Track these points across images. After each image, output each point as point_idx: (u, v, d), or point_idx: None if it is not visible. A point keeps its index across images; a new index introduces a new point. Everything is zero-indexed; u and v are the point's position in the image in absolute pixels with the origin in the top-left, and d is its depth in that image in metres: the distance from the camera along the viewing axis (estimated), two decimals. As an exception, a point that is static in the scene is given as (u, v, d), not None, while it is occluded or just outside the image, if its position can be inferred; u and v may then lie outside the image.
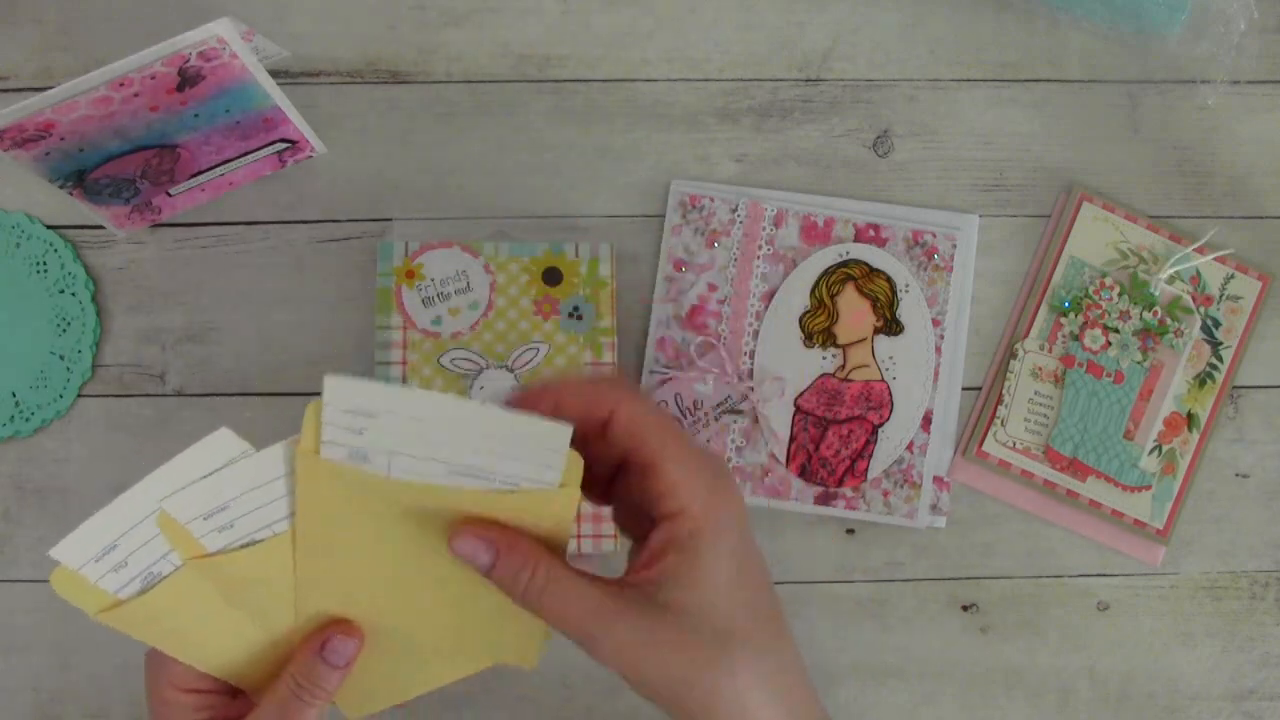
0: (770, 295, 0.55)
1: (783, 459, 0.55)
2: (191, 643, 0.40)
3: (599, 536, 0.53)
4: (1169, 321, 0.55)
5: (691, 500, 0.35)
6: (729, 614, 0.35)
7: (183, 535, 0.37)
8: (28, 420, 0.53)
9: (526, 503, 0.36)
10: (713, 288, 0.55)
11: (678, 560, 0.35)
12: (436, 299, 0.53)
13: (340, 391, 0.35)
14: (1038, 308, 0.55)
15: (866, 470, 0.55)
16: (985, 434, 0.55)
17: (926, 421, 0.55)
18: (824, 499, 0.55)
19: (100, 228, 0.54)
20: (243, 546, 0.38)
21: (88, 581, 0.36)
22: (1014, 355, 0.55)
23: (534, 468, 0.36)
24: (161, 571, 0.37)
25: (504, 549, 0.36)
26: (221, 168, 0.52)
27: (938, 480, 0.55)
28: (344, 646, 0.41)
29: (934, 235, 0.55)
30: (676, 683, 0.35)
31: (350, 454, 0.36)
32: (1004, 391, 0.55)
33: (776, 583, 0.56)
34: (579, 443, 0.35)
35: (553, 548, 0.37)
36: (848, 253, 0.55)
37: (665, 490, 0.36)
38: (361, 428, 0.35)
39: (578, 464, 0.36)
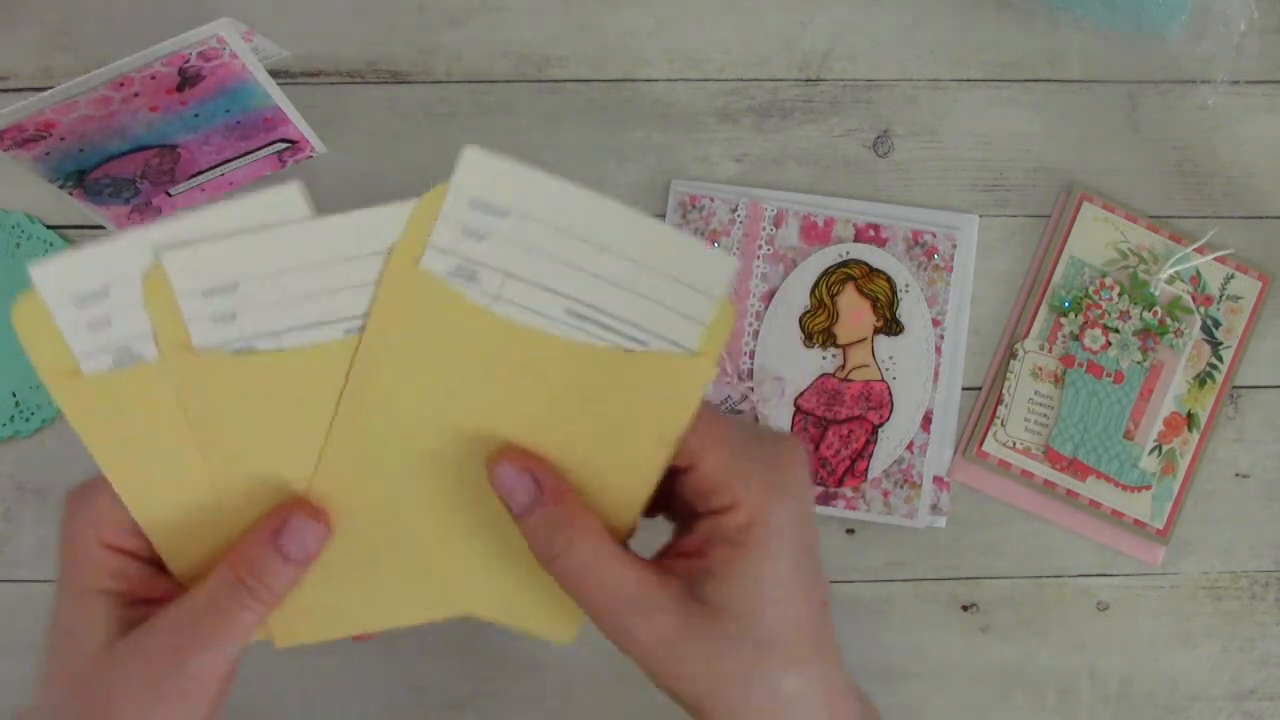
0: (770, 295, 0.55)
1: (783, 459, 0.55)
2: (137, 473, 0.31)
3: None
4: (1169, 321, 0.55)
5: (743, 493, 0.31)
6: (775, 623, 0.31)
7: (167, 309, 0.29)
8: (28, 420, 0.53)
9: (646, 371, 0.30)
10: (713, 288, 0.55)
11: (726, 555, 0.31)
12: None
13: (480, 169, 0.28)
14: (1038, 308, 0.55)
15: (866, 470, 0.55)
16: (985, 434, 0.55)
17: (926, 421, 0.55)
18: (824, 499, 0.55)
19: (100, 228, 0.54)
20: (236, 352, 0.30)
21: (54, 327, 0.29)
22: (1014, 355, 0.55)
23: (674, 317, 0.29)
24: (141, 354, 0.30)
25: (550, 495, 0.31)
26: (221, 168, 0.52)
27: (938, 480, 0.55)
28: (305, 534, 0.32)
29: (934, 235, 0.55)
30: (706, 691, 0.31)
31: (459, 267, 0.29)
32: (1004, 391, 0.55)
33: (776, 583, 0.56)
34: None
35: (670, 429, 0.30)
36: (848, 253, 0.55)
37: (713, 486, 0.32)
38: (485, 230, 0.29)
39: (723, 327, 0.30)
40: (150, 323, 0.29)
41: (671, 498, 0.34)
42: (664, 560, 0.33)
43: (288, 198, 0.28)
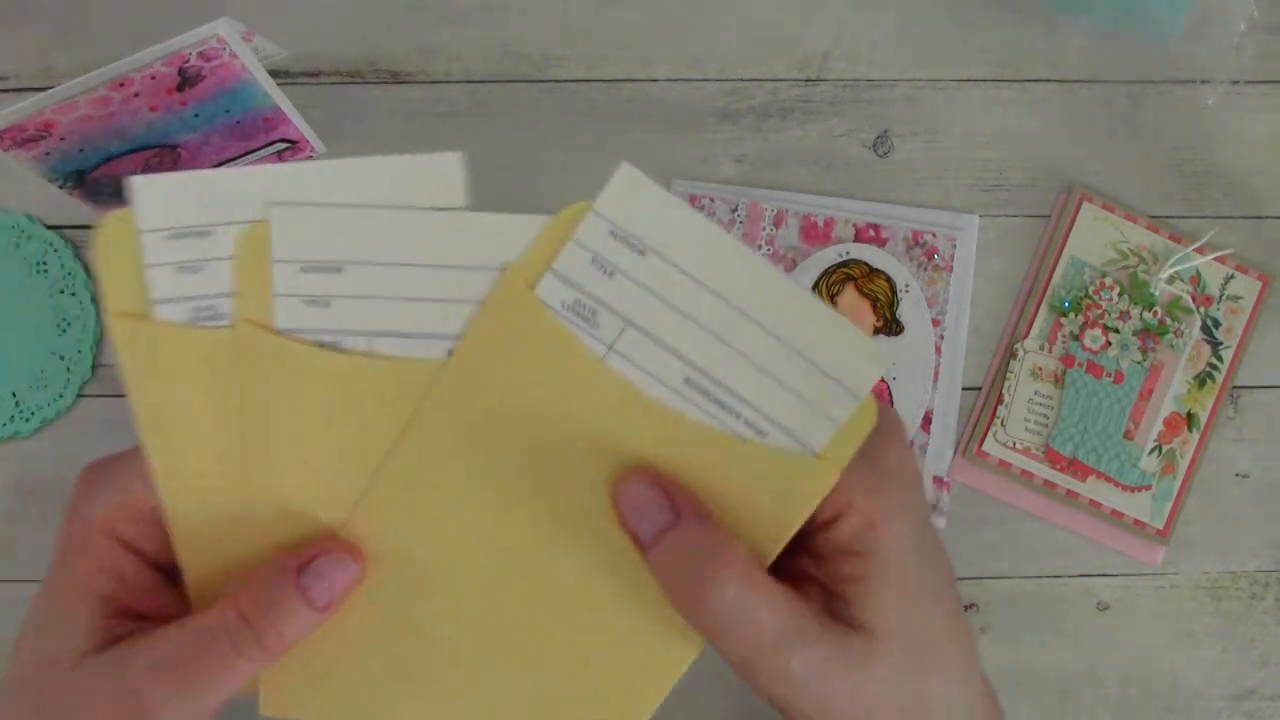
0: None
1: (783, 459, 0.55)
2: (176, 450, 0.27)
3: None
4: (1169, 321, 0.55)
5: (851, 494, 0.28)
6: (920, 632, 0.28)
7: (257, 274, 0.26)
8: (28, 420, 0.53)
9: (757, 468, 0.26)
10: (713, 288, 0.55)
11: (852, 568, 0.28)
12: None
13: (629, 194, 0.25)
14: (1038, 308, 0.55)
15: (866, 470, 0.55)
16: (985, 434, 0.55)
17: (926, 421, 0.55)
18: (824, 499, 0.55)
19: (100, 228, 0.54)
20: (321, 345, 0.26)
21: (138, 258, 0.26)
22: (1014, 355, 0.55)
23: (805, 410, 0.26)
24: (225, 314, 0.26)
25: (690, 515, 0.26)
26: (222, 168, 0.52)
27: (938, 480, 0.55)
28: (334, 575, 0.27)
29: (934, 235, 0.55)
30: (858, 712, 0.28)
31: (575, 304, 0.26)
32: (1004, 391, 0.55)
33: (776, 583, 0.56)
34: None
35: (770, 542, 0.27)
36: (848, 253, 0.55)
37: None
38: (616, 266, 0.25)
39: (858, 432, 0.26)
40: (209, 287, 0.26)
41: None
42: (793, 587, 0.29)
43: (446, 167, 0.25)
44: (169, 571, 0.29)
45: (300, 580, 0.26)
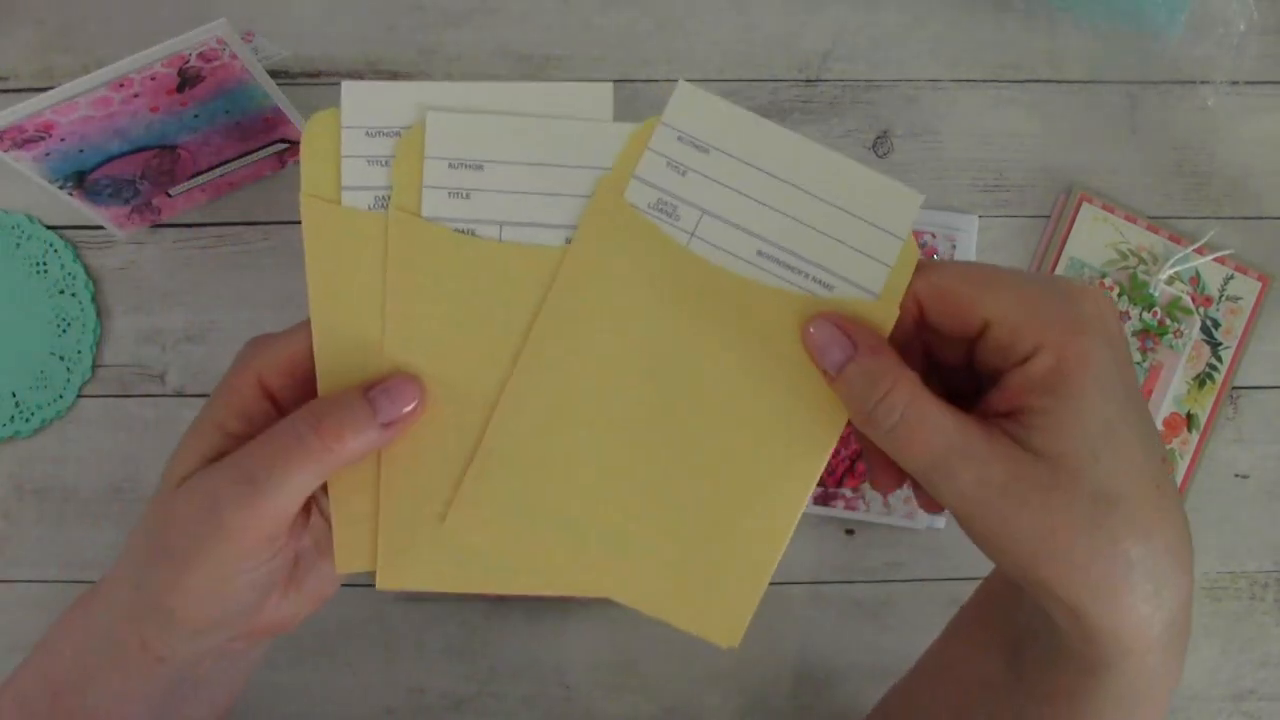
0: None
1: (782, 459, 0.55)
2: (336, 317, 0.31)
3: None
4: (1168, 322, 0.55)
5: (1045, 331, 0.28)
6: (1113, 474, 0.28)
7: (411, 168, 0.31)
8: (28, 420, 0.53)
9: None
10: (712, 288, 0.55)
11: (1044, 403, 0.28)
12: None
13: (690, 104, 0.30)
14: (1037, 308, 0.55)
15: (866, 471, 0.55)
16: (985, 434, 0.55)
17: (926, 422, 0.55)
18: (823, 499, 0.55)
19: (100, 228, 0.54)
20: (458, 231, 0.31)
21: (335, 146, 0.31)
22: (1014, 355, 0.55)
23: (860, 259, 0.30)
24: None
25: (865, 348, 0.30)
26: (221, 168, 0.52)
27: (937, 480, 0.55)
28: (399, 392, 0.30)
29: (934, 235, 0.55)
30: (1036, 544, 0.28)
31: (659, 202, 0.30)
32: (1004, 392, 0.55)
33: (774, 584, 0.56)
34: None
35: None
36: (847, 253, 0.55)
37: (1011, 335, 0.29)
38: (687, 166, 0.30)
39: (906, 269, 0.30)
40: (389, 179, 0.30)
41: (974, 371, 0.32)
42: (979, 414, 0.30)
43: (594, 95, 0.30)
44: None
45: (368, 393, 0.30)
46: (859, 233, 0.30)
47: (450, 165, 0.30)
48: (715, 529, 0.32)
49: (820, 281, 0.30)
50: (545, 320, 0.31)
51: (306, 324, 0.33)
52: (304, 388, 0.32)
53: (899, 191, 0.30)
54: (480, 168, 0.31)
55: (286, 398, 0.33)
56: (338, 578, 0.36)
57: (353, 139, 0.31)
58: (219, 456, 0.32)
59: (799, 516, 0.32)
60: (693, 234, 0.30)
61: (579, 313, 0.31)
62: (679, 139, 0.30)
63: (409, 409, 0.31)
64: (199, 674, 0.36)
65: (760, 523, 0.32)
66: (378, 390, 0.30)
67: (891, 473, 0.32)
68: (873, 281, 0.30)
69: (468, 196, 0.31)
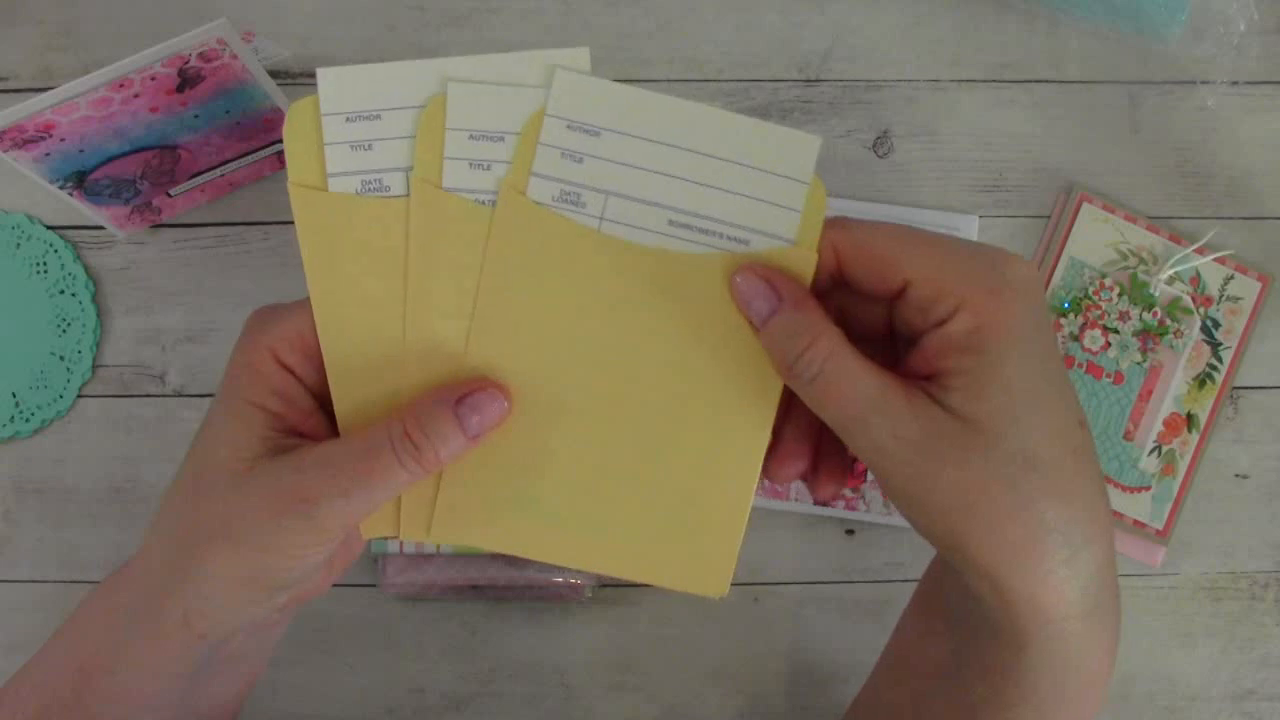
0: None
1: (782, 459, 0.55)
2: (337, 301, 0.32)
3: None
4: (1169, 322, 0.55)
5: (966, 292, 0.28)
6: (1031, 435, 0.28)
7: (433, 142, 0.31)
8: (28, 420, 0.53)
9: None
10: (712, 288, 0.55)
11: (964, 363, 0.29)
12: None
13: (573, 91, 0.29)
14: (1037, 308, 0.55)
15: (866, 471, 0.55)
16: (985, 434, 0.55)
17: (926, 422, 0.55)
18: (824, 500, 0.55)
19: (100, 228, 0.54)
20: (481, 204, 0.31)
21: (318, 134, 0.31)
22: (1014, 356, 0.55)
23: (769, 209, 0.30)
24: (389, 187, 0.31)
25: (789, 300, 0.30)
26: (221, 168, 0.52)
27: (937, 481, 0.55)
28: (488, 408, 0.31)
29: (934, 236, 0.55)
30: (952, 501, 0.28)
31: (562, 194, 0.30)
32: (1004, 392, 0.55)
33: (774, 584, 0.56)
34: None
35: None
36: (847, 253, 0.55)
37: (932, 294, 0.29)
38: (582, 153, 0.30)
39: (817, 211, 0.30)
40: (411, 155, 0.30)
41: (894, 334, 0.32)
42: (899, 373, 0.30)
43: (577, 58, 0.30)
44: (325, 403, 0.33)
45: (458, 410, 0.31)
46: (764, 185, 0.30)
47: (472, 138, 0.31)
48: (687, 492, 0.33)
49: (735, 239, 0.31)
50: (480, 328, 0.32)
51: (308, 299, 0.33)
52: (315, 360, 0.33)
53: (796, 137, 0.30)
54: (502, 139, 0.31)
55: (309, 377, 0.33)
56: (362, 542, 0.37)
57: (334, 125, 0.31)
58: (277, 439, 0.32)
59: (761, 462, 0.33)
60: (602, 218, 0.30)
61: (510, 318, 0.32)
62: (569, 127, 0.30)
63: (495, 420, 0.32)
64: (231, 649, 0.36)
65: (728, 476, 0.32)
66: (467, 407, 0.31)
67: (795, 462, 0.33)
68: (787, 229, 0.30)
69: (489, 168, 0.31)
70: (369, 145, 0.31)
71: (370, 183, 0.31)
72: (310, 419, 0.33)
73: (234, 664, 0.38)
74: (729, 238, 0.31)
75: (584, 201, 0.30)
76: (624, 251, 0.31)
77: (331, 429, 0.34)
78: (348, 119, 0.31)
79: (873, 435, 0.29)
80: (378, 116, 0.30)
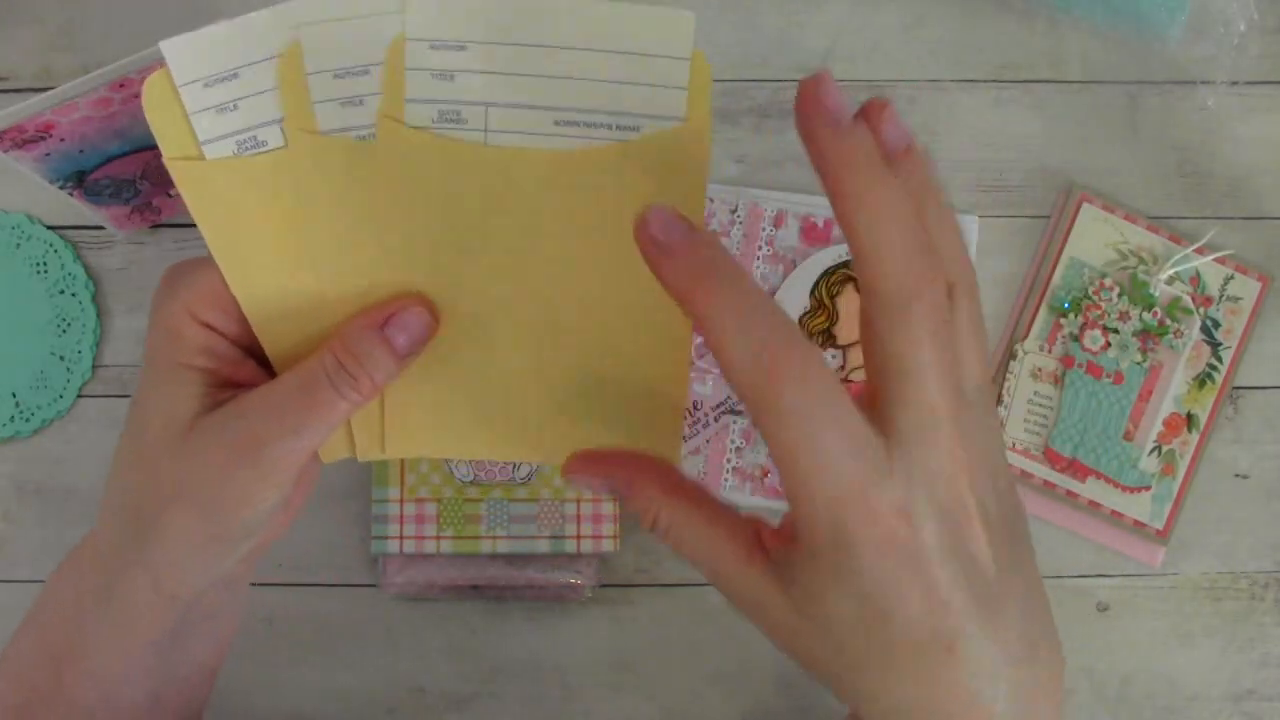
0: (770, 296, 0.55)
1: (782, 459, 0.55)
2: (245, 259, 0.32)
3: (599, 537, 0.53)
4: (1169, 322, 0.55)
5: (811, 515, 0.27)
6: (868, 630, 0.27)
7: (298, 89, 0.30)
8: (28, 420, 0.53)
9: (650, 157, 0.30)
10: (712, 288, 0.55)
11: (800, 567, 0.28)
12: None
13: (429, 9, 0.28)
14: (1037, 308, 0.55)
15: (866, 471, 0.55)
16: (985, 434, 0.55)
17: (926, 422, 0.55)
18: (824, 499, 0.55)
19: (100, 228, 0.54)
20: (360, 139, 0.30)
21: (181, 108, 0.30)
22: (1013, 356, 0.55)
23: (653, 92, 0.29)
24: (265, 142, 0.31)
25: (625, 490, 0.30)
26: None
27: (937, 481, 0.55)
28: (414, 325, 0.31)
29: (934, 236, 0.55)
30: (834, 676, 0.28)
31: (440, 114, 0.30)
32: (1003, 392, 0.55)
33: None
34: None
35: (690, 205, 0.30)
36: (847, 253, 0.55)
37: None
38: (452, 70, 0.29)
39: (703, 83, 0.30)
40: (279, 105, 0.29)
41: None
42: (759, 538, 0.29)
43: None
44: (253, 350, 0.33)
45: (386, 330, 0.31)
46: (645, 69, 0.29)
47: (336, 77, 0.30)
48: (626, 364, 0.33)
49: (626, 127, 0.30)
50: (390, 261, 0.32)
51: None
52: (234, 312, 0.33)
53: (669, 16, 0.29)
54: (367, 72, 0.30)
55: (231, 330, 0.33)
56: (316, 475, 0.37)
57: (193, 94, 0.30)
58: (213, 394, 0.32)
59: (692, 331, 0.33)
60: (486, 130, 0.30)
61: (417, 242, 0.31)
62: (432, 47, 0.29)
63: (422, 335, 0.32)
64: (205, 607, 0.36)
65: (662, 343, 0.32)
66: (394, 327, 0.31)
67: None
68: (675, 107, 0.30)
69: (362, 103, 0.30)
70: (234, 105, 0.30)
71: (245, 142, 0.30)
72: (242, 368, 0.33)
73: (208, 622, 0.38)
74: (619, 126, 0.30)
75: (464, 118, 0.30)
76: (514, 158, 0.30)
77: (265, 373, 0.34)
78: (205, 84, 0.29)
79: (730, 594, 0.29)
80: (235, 76, 0.29)
